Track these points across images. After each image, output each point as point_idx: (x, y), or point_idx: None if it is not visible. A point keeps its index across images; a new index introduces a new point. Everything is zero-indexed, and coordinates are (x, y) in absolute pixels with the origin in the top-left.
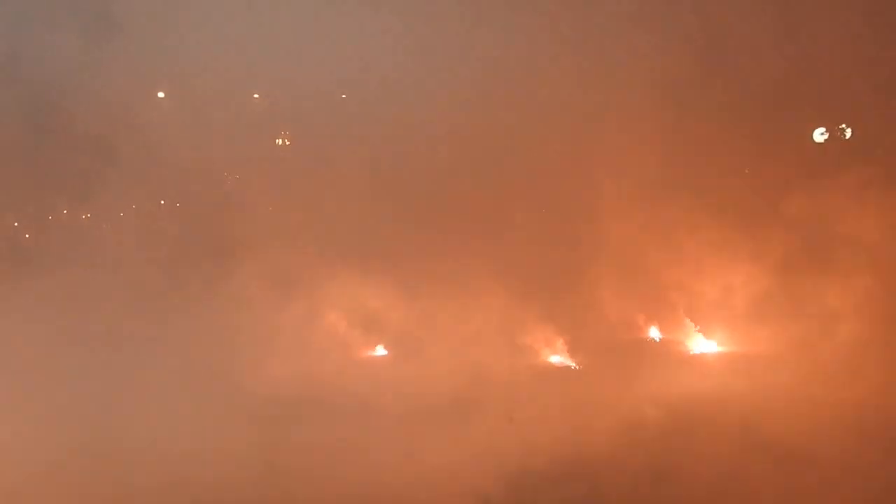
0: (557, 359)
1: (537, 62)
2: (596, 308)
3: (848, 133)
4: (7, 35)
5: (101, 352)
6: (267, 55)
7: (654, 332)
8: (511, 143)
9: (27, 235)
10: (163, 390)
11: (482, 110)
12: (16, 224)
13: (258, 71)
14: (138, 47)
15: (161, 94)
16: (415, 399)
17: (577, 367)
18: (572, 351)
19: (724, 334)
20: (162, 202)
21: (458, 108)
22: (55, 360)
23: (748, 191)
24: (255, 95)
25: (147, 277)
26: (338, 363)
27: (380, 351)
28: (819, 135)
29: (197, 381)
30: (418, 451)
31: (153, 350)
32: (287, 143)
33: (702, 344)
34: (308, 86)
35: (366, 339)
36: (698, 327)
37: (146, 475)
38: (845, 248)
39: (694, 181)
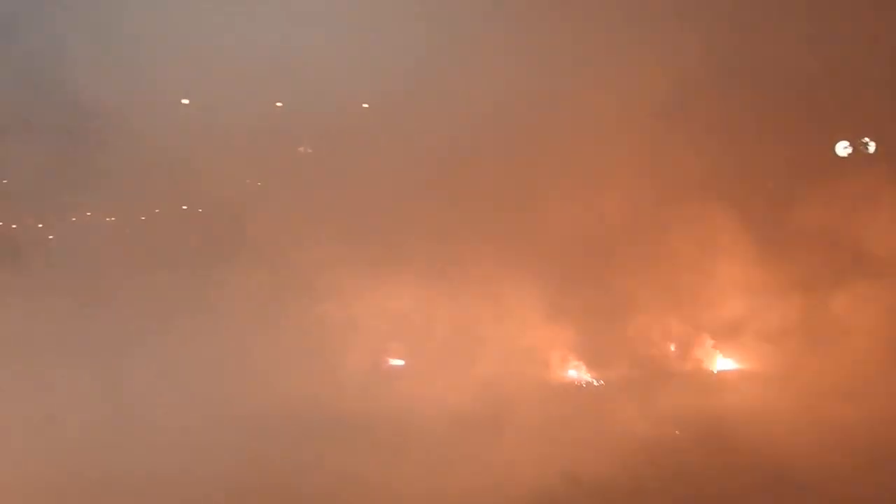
0: (578, 375)
1: (566, 69)
2: (619, 325)
3: (871, 147)
4: (36, 41)
5: (120, 355)
6: (290, 64)
7: (676, 350)
8: (536, 157)
9: (50, 237)
10: (172, 402)
11: (508, 118)
12: (40, 225)
13: (281, 79)
14: (162, 54)
15: (185, 101)
16: (430, 418)
17: (598, 385)
18: (593, 368)
19: (744, 353)
20: (184, 207)
21: (482, 116)
22: (70, 360)
23: (773, 208)
24: (279, 104)
25: (167, 281)
26: (357, 375)
27: (397, 362)
28: (842, 149)
29: (206, 394)
30: (436, 474)
31: (171, 358)
32: (309, 151)
33: (722, 362)
34: (330, 95)
35: (382, 351)
36: (720, 346)
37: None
38: (869, 266)
39: (719, 197)
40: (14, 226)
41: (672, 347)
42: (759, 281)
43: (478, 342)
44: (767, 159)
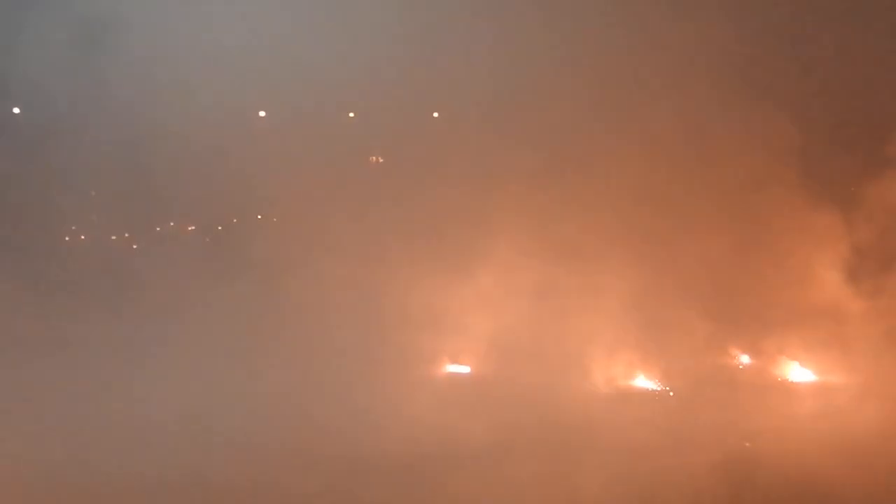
0: (649, 384)
1: (652, 80)
2: (690, 334)
3: None
4: (118, 60)
5: (198, 364)
6: (363, 75)
7: (747, 360)
8: (612, 174)
9: (135, 246)
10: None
11: (584, 116)
12: (126, 235)
13: (353, 90)
14: (238, 69)
15: (262, 114)
16: (494, 432)
17: (671, 394)
18: (664, 377)
19: (822, 363)
20: (259, 217)
21: (554, 126)
22: (148, 366)
23: (854, 215)
24: (351, 114)
25: (245, 290)
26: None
27: (459, 369)
28: None
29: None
30: (500, 497)
31: (247, 367)
32: (380, 160)
33: (799, 372)
34: (402, 105)
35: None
36: (796, 355)
37: None
38: None
39: (798, 205)
40: (99, 236)
41: (746, 357)
42: (844, 289)
43: (542, 351)
44: (856, 168)
